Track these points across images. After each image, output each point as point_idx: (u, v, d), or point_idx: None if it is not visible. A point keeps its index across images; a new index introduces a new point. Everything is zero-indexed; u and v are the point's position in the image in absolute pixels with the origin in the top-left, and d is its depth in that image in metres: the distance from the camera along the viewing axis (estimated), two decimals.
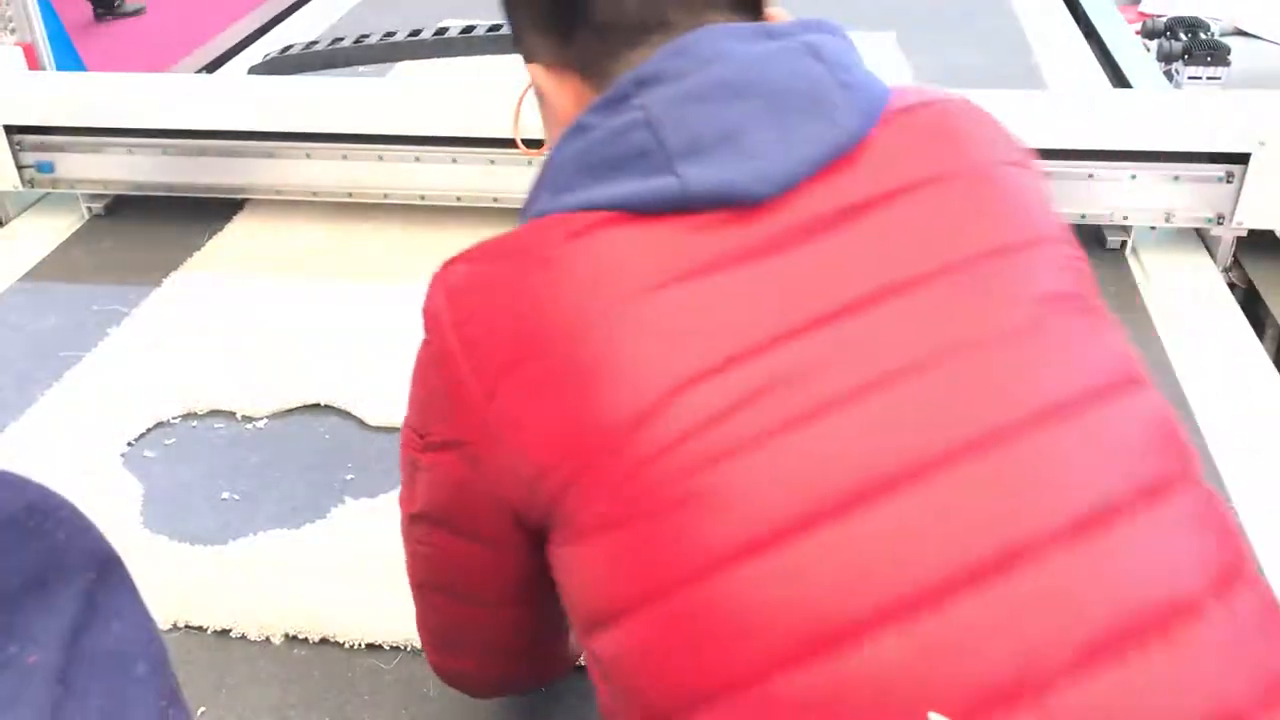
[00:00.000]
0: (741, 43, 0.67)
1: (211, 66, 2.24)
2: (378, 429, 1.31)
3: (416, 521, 0.75)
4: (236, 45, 2.31)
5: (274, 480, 1.24)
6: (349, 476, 1.24)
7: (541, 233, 0.66)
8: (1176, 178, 1.55)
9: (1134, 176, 1.55)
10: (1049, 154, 1.56)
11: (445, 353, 0.67)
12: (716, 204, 0.63)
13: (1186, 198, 1.56)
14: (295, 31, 2.43)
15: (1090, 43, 2.40)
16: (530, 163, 1.56)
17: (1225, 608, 0.57)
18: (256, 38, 2.38)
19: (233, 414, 1.34)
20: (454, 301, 0.67)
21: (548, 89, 0.74)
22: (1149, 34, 3.12)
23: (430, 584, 0.79)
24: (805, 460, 0.58)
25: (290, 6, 2.56)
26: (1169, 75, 2.93)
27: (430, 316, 0.69)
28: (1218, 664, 0.56)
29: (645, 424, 0.59)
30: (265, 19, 2.48)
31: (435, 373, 0.68)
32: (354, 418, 1.33)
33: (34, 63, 1.95)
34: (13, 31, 2.05)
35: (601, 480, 0.61)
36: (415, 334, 0.72)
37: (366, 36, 1.76)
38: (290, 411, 1.35)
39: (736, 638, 0.57)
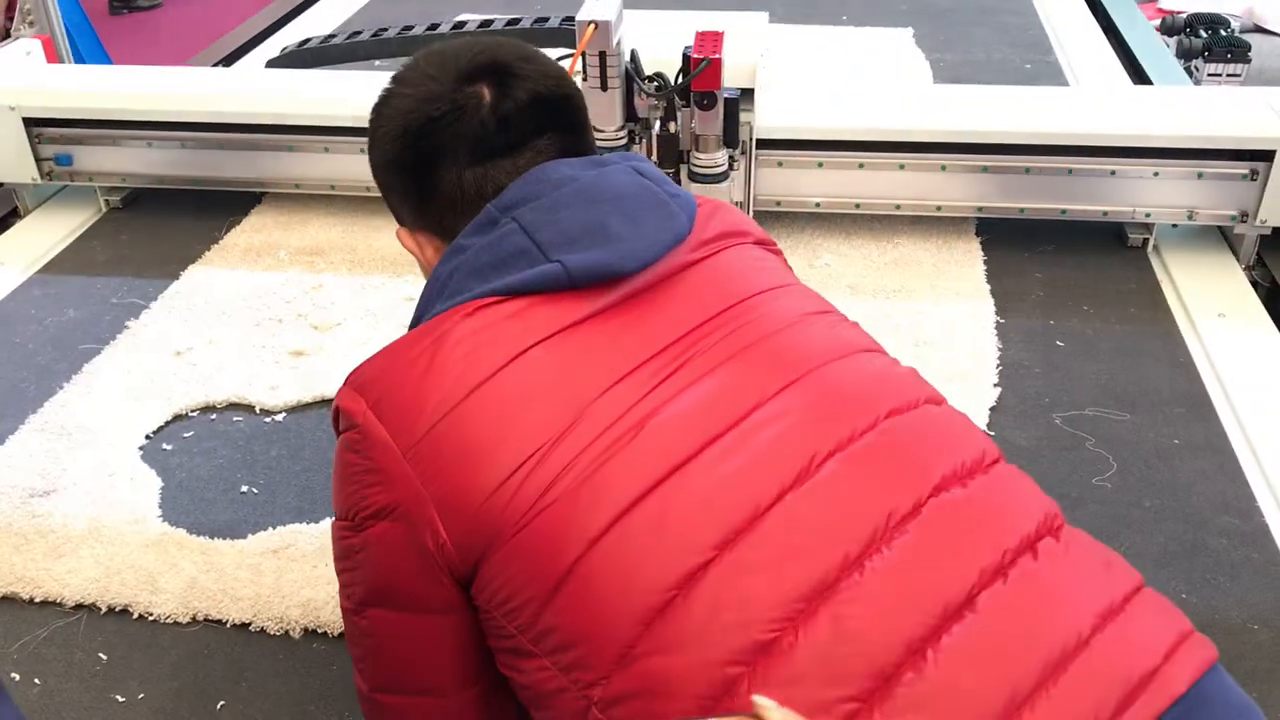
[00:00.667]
0: (581, 169, 0.81)
1: (229, 60, 2.24)
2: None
3: (362, 612, 0.78)
4: (254, 39, 2.32)
5: (292, 474, 1.24)
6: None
7: (437, 321, 0.78)
8: (1200, 175, 1.53)
9: (1156, 174, 1.54)
10: (1070, 150, 1.55)
11: (365, 433, 0.75)
12: (593, 281, 0.77)
13: (1209, 195, 1.55)
14: (313, 25, 2.43)
15: (1110, 39, 2.38)
16: None
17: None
18: (273, 31, 2.38)
19: (251, 407, 1.34)
20: (365, 390, 0.77)
21: (410, 245, 0.87)
22: (1168, 30, 3.10)
23: (385, 685, 0.80)
24: (665, 429, 0.73)
25: (305, 1, 2.56)
26: (1189, 72, 2.91)
27: (346, 412, 0.77)
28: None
29: (552, 447, 0.71)
30: (282, 12, 2.49)
31: (356, 456, 0.75)
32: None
33: (52, 55, 1.95)
34: (31, 24, 2.06)
35: (532, 490, 0.71)
36: None
37: (384, 30, 1.75)
38: (308, 405, 1.34)
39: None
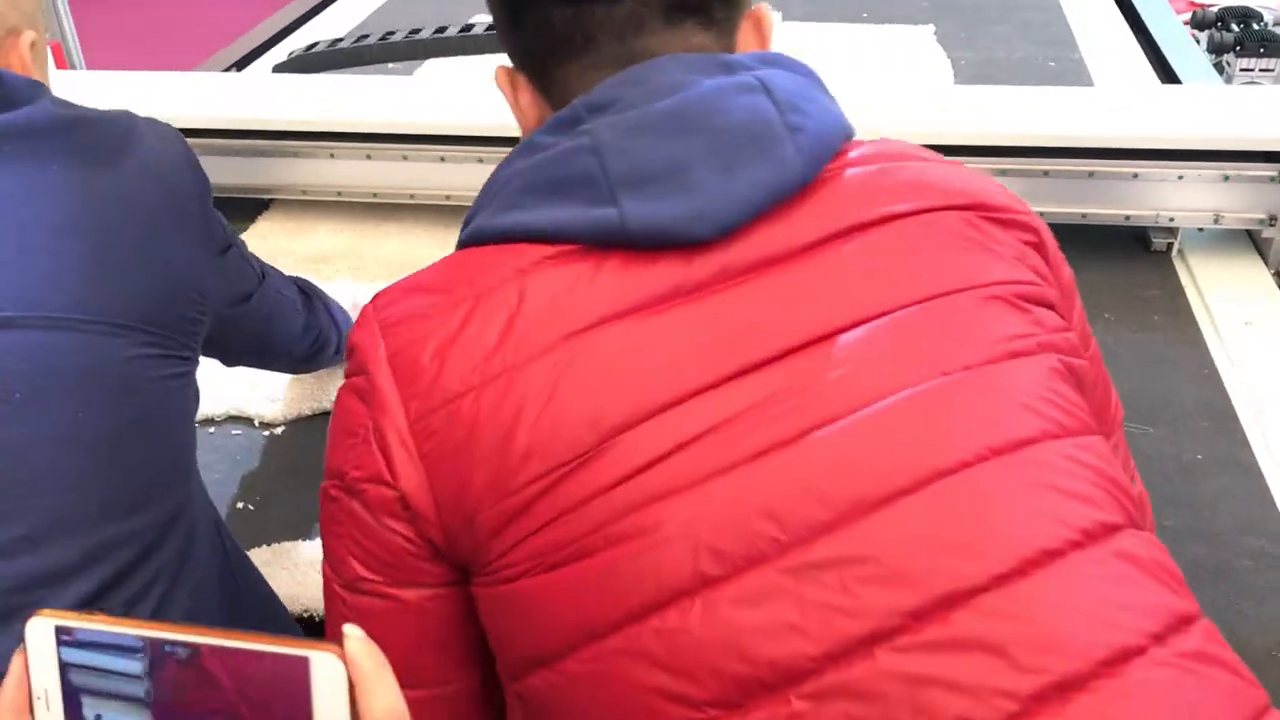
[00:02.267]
0: (694, 74, 0.66)
1: (240, 64, 2.23)
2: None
3: (352, 590, 0.67)
4: (264, 44, 2.30)
5: (290, 488, 1.22)
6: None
7: (486, 259, 0.66)
8: (1226, 177, 1.48)
9: (1181, 176, 1.49)
10: (1091, 153, 1.50)
11: (374, 383, 0.64)
12: (652, 244, 0.62)
13: (1236, 198, 1.50)
14: (321, 29, 2.41)
15: (1137, 35, 2.32)
16: None
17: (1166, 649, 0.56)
18: (283, 36, 2.35)
19: (249, 420, 1.32)
20: (388, 333, 0.65)
21: (503, 84, 0.75)
22: (1199, 25, 3.04)
23: None
24: (742, 502, 0.57)
25: (317, 6, 2.54)
26: (1220, 68, 2.85)
27: (359, 351, 0.67)
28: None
29: (582, 466, 0.59)
30: (292, 17, 2.46)
31: (361, 406, 0.65)
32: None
33: (62, 61, 1.94)
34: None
35: (537, 520, 0.60)
36: None
37: (392, 34, 1.73)
38: (310, 418, 1.32)
39: (676, 674, 0.56)
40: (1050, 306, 0.68)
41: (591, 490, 0.58)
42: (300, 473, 1.24)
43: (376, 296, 0.69)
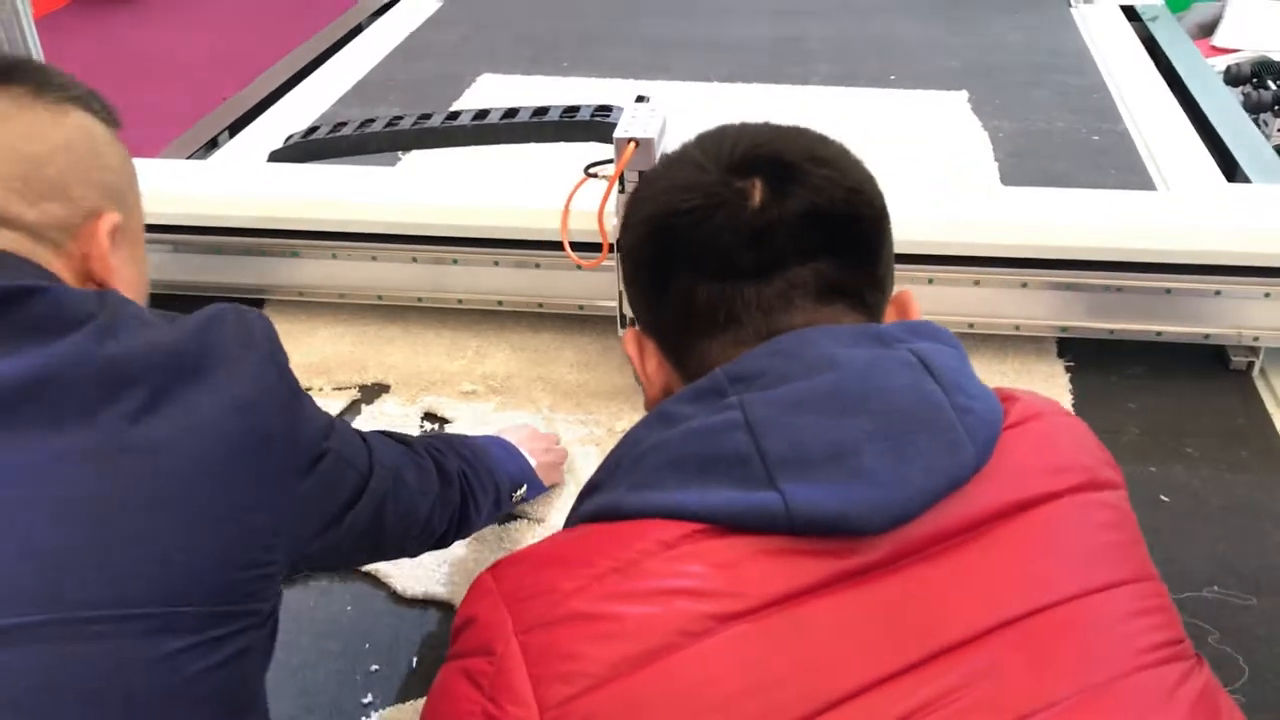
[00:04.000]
0: (847, 348, 0.63)
1: (208, 147, 2.05)
2: (411, 601, 1.15)
3: None
4: (238, 120, 2.13)
5: (289, 669, 1.08)
6: (374, 667, 1.07)
7: (625, 534, 0.60)
8: None
9: (1268, 295, 1.36)
10: (1169, 268, 1.37)
11: (503, 669, 0.57)
12: (820, 532, 0.58)
13: None
14: (303, 104, 2.24)
15: (1175, 92, 2.19)
16: (578, 268, 1.40)
17: None
18: (254, 116, 2.18)
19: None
20: (519, 608, 0.59)
21: (631, 350, 0.75)
22: (1232, 81, 2.92)
23: None
24: None
25: (292, 78, 2.36)
26: (1257, 124, 2.72)
27: (483, 628, 0.60)
28: None
29: None
30: (264, 92, 2.27)
31: (478, 695, 0.58)
32: (385, 586, 1.16)
33: None
34: None
35: None
36: None
37: (399, 119, 1.59)
38: (310, 577, 1.18)
39: None
40: None
41: None
42: (300, 649, 1.10)
43: (496, 567, 0.64)
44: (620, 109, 1.38)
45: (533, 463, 1.17)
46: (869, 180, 0.71)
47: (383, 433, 0.94)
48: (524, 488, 1.15)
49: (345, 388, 1.45)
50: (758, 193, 0.66)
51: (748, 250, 0.66)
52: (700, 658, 0.55)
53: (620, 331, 1.46)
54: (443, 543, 1.02)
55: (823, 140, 0.71)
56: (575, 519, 0.67)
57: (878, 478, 0.58)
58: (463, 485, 1.01)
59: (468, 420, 1.37)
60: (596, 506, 0.64)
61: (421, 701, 1.01)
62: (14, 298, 0.65)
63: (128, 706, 0.60)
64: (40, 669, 0.58)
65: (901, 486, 0.58)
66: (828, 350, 0.62)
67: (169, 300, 1.60)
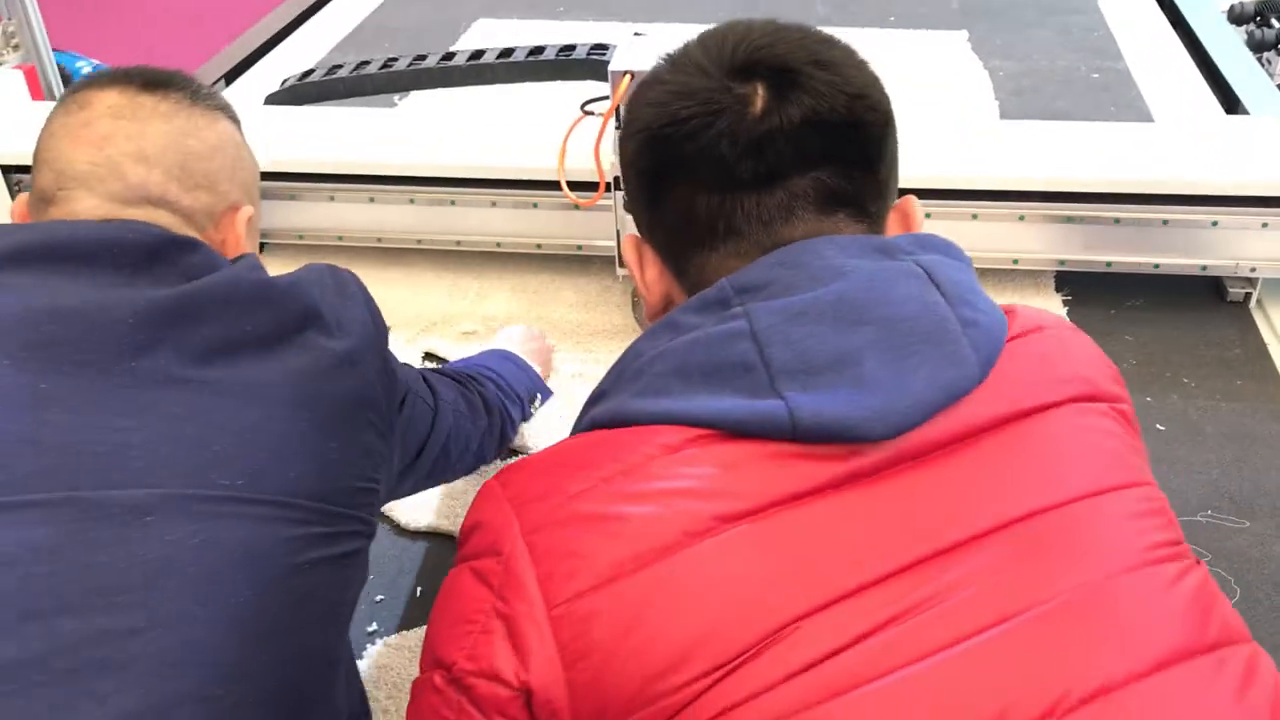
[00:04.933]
0: (853, 258, 0.63)
1: (229, 77, 2.07)
2: (415, 534, 1.16)
3: None
4: (236, 66, 2.13)
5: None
6: (378, 597, 1.09)
7: (630, 438, 0.61)
8: None
9: (1265, 224, 1.36)
10: (1167, 199, 1.37)
11: (509, 568, 0.59)
12: (823, 439, 0.58)
13: None
14: (304, 45, 2.24)
15: (1178, 31, 2.18)
16: (576, 208, 1.40)
17: None
18: (268, 50, 2.19)
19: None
20: (524, 510, 0.60)
21: (630, 257, 0.74)
22: (1236, 20, 2.89)
23: None
24: (910, 704, 0.54)
25: (292, 23, 2.35)
26: (1260, 64, 2.70)
27: (489, 530, 0.61)
28: None
29: (747, 662, 0.54)
30: (264, 37, 2.27)
31: (486, 592, 0.60)
32: (388, 520, 1.18)
33: (37, 90, 1.79)
34: (16, 48, 1.90)
35: (698, 715, 0.55)
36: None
37: (394, 61, 1.59)
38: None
39: None
40: None
41: (757, 686, 0.54)
42: None
43: (502, 474, 0.65)
44: (616, 47, 1.37)
45: (536, 369, 1.29)
46: (873, 84, 0.68)
47: (434, 370, 1.06)
48: (539, 398, 1.27)
49: None
50: (759, 99, 0.64)
51: (748, 160, 0.64)
52: (702, 557, 0.56)
53: (619, 271, 1.46)
54: (483, 463, 1.13)
55: (827, 42, 0.68)
56: (580, 427, 0.67)
57: (880, 386, 0.58)
58: (502, 413, 1.14)
59: None
60: (601, 413, 0.64)
61: (423, 629, 1.03)
62: (181, 245, 0.77)
63: (266, 570, 0.69)
64: (212, 526, 0.68)
65: (902, 395, 0.58)
66: (834, 261, 0.62)
67: None
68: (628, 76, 1.19)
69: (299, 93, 1.62)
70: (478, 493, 0.66)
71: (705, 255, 0.68)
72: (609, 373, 0.67)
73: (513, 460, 0.71)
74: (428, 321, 1.47)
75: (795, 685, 0.54)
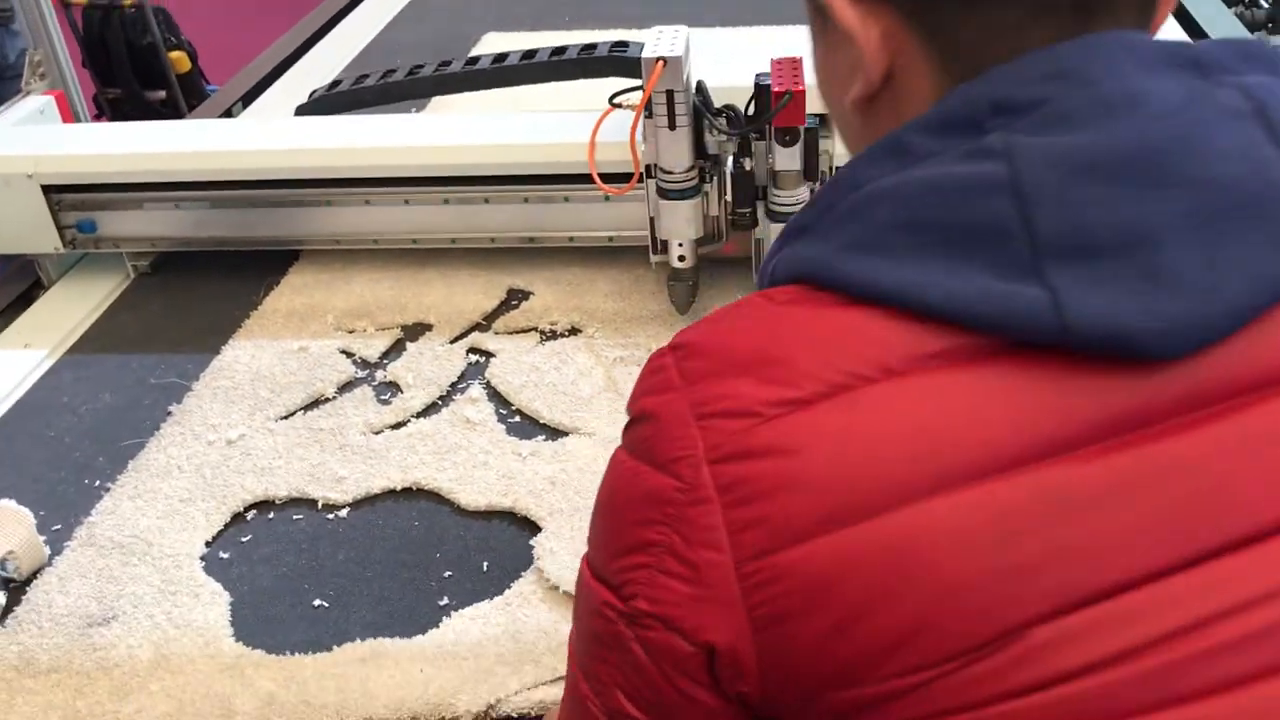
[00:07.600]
0: (1155, 75, 0.45)
1: (248, 98, 2.12)
2: (475, 514, 1.20)
3: (612, 717, 0.53)
4: (266, 77, 2.18)
5: (365, 580, 1.13)
6: (447, 573, 1.12)
7: (831, 342, 0.47)
8: None
9: None
10: None
11: (696, 497, 0.47)
12: (1103, 350, 0.44)
13: None
14: (313, 68, 2.29)
15: (1175, 16, 2.24)
16: (608, 199, 1.44)
17: None
18: (289, 65, 2.24)
19: (313, 502, 1.23)
20: (710, 428, 0.47)
21: (850, 19, 0.50)
22: (1228, 2, 2.95)
23: None
24: None
25: (310, 39, 2.41)
26: None
27: (666, 435, 0.48)
28: None
29: (985, 657, 0.43)
30: (283, 55, 2.33)
31: (666, 531, 0.48)
32: (447, 501, 1.21)
33: (67, 113, 1.84)
34: (43, 77, 1.95)
35: (913, 713, 0.45)
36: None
37: (420, 68, 1.63)
38: (376, 497, 1.23)
39: None
40: None
41: (997, 692, 0.43)
42: (373, 562, 1.15)
43: (677, 351, 0.50)
44: (638, 44, 1.42)
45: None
46: None
47: None
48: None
49: (388, 328, 1.50)
50: None
51: None
52: (928, 525, 0.44)
53: (653, 259, 1.49)
54: None
55: None
56: (774, 267, 0.52)
57: (1182, 285, 0.43)
58: None
59: (511, 353, 1.41)
60: (804, 262, 0.50)
61: (496, 600, 1.07)
62: None
63: None
64: None
65: (1212, 299, 0.43)
66: (1131, 81, 0.45)
67: (209, 255, 1.65)
68: (660, 63, 1.24)
69: (327, 103, 1.67)
70: (648, 363, 0.52)
71: (991, 9, 0.47)
72: (817, 198, 0.52)
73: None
74: (468, 320, 1.50)
75: (1058, 696, 0.43)
